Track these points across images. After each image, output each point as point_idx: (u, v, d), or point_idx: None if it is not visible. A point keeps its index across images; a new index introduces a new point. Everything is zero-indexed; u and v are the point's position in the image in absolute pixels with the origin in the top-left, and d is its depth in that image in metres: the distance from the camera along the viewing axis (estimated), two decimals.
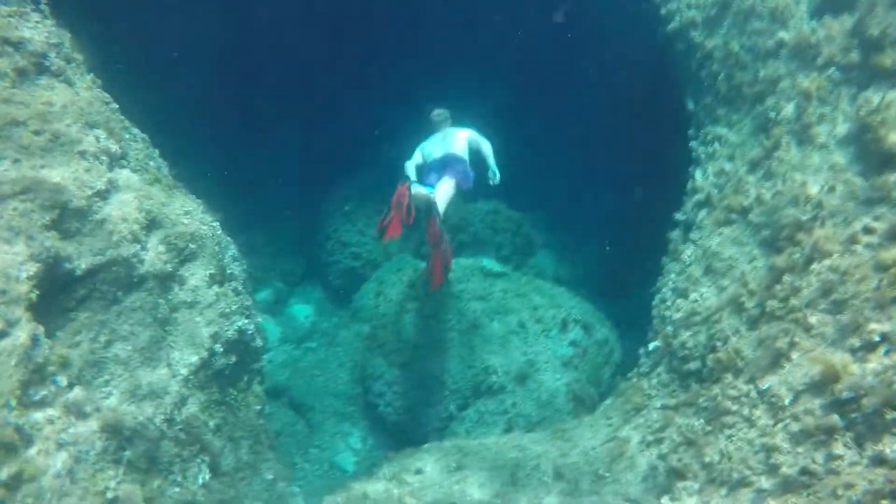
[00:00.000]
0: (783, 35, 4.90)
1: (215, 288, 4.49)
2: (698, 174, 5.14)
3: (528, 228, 8.58)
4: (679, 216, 5.19)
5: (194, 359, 4.17)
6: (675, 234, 5.14)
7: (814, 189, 3.87)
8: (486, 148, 6.24)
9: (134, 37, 6.95)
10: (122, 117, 5.29)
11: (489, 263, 7.31)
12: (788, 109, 4.48)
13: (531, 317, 6.57)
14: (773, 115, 4.57)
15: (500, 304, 6.77)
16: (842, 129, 4.15)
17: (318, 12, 8.77)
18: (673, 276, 4.63)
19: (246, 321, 4.74)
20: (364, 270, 8.57)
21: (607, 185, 9.05)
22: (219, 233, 4.92)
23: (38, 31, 4.32)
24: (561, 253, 8.97)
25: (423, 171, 6.14)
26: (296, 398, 7.30)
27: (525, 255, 8.36)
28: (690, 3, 5.65)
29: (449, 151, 6.03)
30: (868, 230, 3.26)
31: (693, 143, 5.42)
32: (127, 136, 4.71)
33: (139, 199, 4.19)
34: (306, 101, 9.58)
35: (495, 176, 6.21)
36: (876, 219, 3.34)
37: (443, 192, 5.74)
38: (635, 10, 6.94)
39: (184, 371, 4.09)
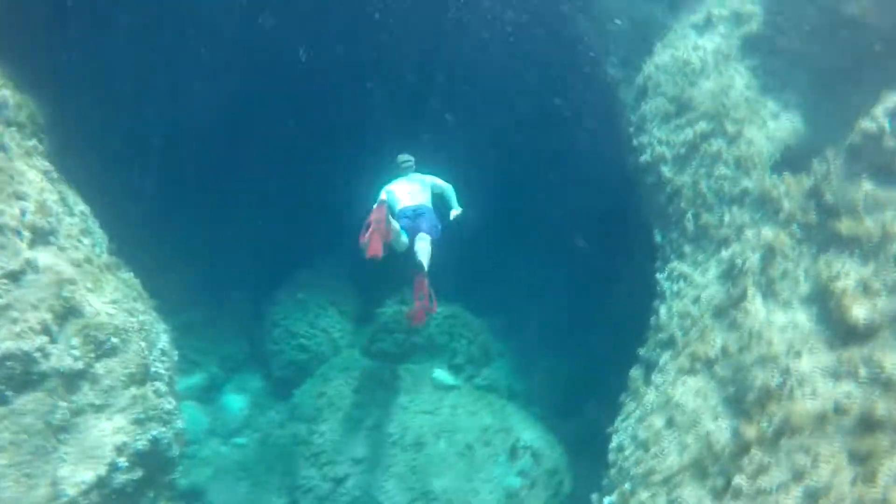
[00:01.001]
0: (747, 184, 5.01)
1: (132, 389, 3.97)
2: (663, 311, 5.03)
3: (486, 337, 8.28)
4: (642, 352, 5.01)
5: (88, 475, 3.58)
6: (637, 371, 4.93)
7: (780, 349, 3.74)
8: (449, 191, 6.66)
9: (98, 103, 6.71)
10: (63, 188, 4.94)
11: (441, 375, 6.94)
12: (753, 260, 4.46)
13: (480, 439, 6.15)
14: (739, 262, 4.54)
15: (449, 421, 6.33)
16: (804, 287, 4.11)
17: (283, 94, 8.77)
18: (633, 421, 4.36)
19: (163, 429, 4.18)
20: (310, 365, 8.03)
21: (569, 295, 8.96)
22: (148, 325, 4.45)
23: None
24: (516, 363, 8.65)
25: (393, 216, 6.27)
26: None
27: (479, 366, 8.00)
28: (661, 139, 5.80)
29: (420, 203, 6.30)
30: (840, 410, 3.09)
31: (659, 277, 5.36)
32: (61, 209, 4.32)
33: (59, 283, 3.75)
34: (268, 178, 9.38)
35: (458, 208, 6.58)
36: (847, 397, 3.18)
37: (423, 250, 5.96)
38: (607, 138, 7.17)
39: (71, 491, 3.48)
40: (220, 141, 8.79)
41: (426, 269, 5.91)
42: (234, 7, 7.81)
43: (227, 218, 8.96)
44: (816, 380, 3.38)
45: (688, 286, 4.86)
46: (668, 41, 6.22)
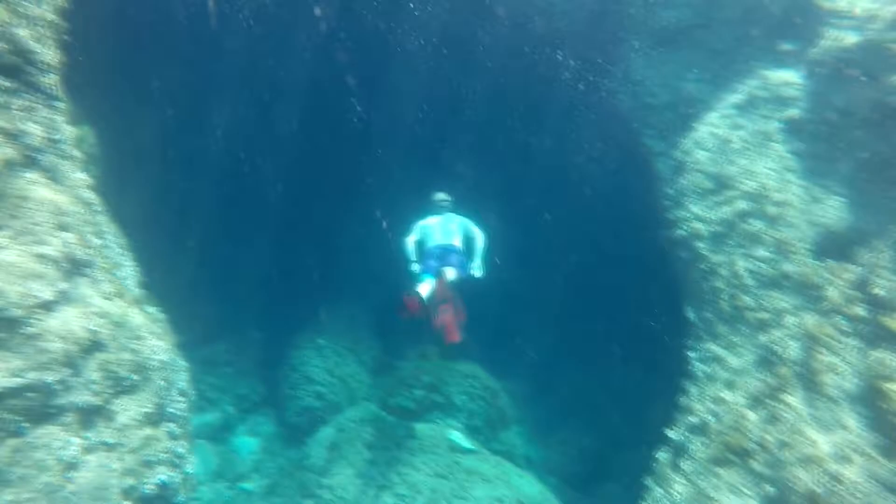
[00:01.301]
0: (788, 268, 4.87)
1: (147, 429, 3.91)
2: (694, 393, 4.81)
3: (505, 401, 8.05)
4: (671, 434, 4.77)
5: None
6: (665, 455, 4.68)
7: (827, 450, 3.51)
8: (479, 240, 6.57)
9: (145, 139, 6.99)
10: (103, 219, 5.07)
11: (457, 437, 6.71)
12: (794, 349, 4.27)
13: None
14: (778, 350, 4.35)
15: (462, 487, 6.06)
16: (851, 384, 3.91)
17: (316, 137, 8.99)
18: None
19: (172, 473, 4.08)
20: (325, 413, 7.88)
21: (593, 366, 8.72)
22: (169, 363, 4.43)
23: (41, 125, 4.18)
24: (534, 431, 8.37)
25: (422, 254, 6.43)
26: None
27: (496, 429, 7.74)
28: (698, 215, 5.72)
29: (449, 243, 6.34)
30: None
31: (691, 356, 5.15)
32: (99, 241, 4.41)
33: (88, 315, 3.78)
34: (299, 220, 9.53)
35: (480, 269, 6.44)
36: None
37: (449, 273, 6.16)
38: (641, 209, 7.12)
39: None
40: (255, 179, 9.02)
41: (448, 279, 5.99)
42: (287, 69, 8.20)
43: (255, 256, 9.09)
44: (870, 491, 3.14)
45: (722, 369, 4.66)
46: (708, 119, 6.23)
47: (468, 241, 6.61)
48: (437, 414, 7.57)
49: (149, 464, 3.80)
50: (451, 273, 6.18)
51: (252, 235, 9.22)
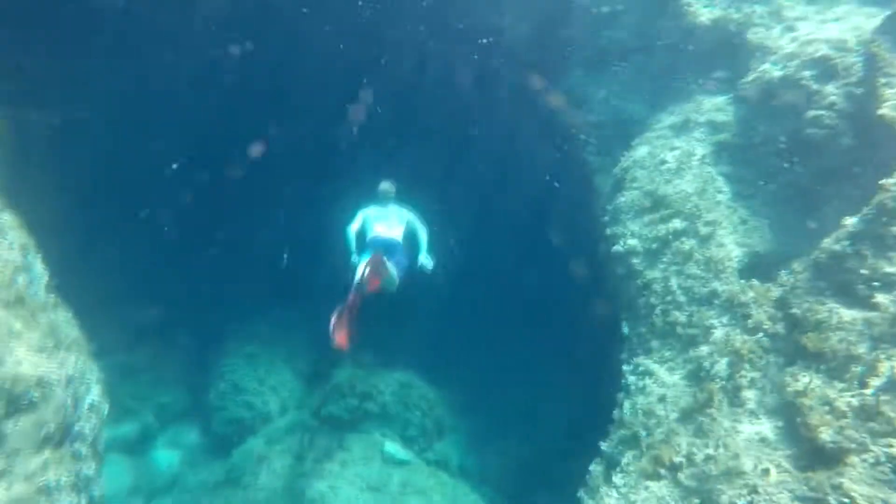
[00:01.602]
0: (717, 286, 5.06)
1: (46, 452, 3.55)
2: (627, 406, 4.90)
3: (442, 410, 7.99)
4: (604, 447, 4.83)
5: None
6: (598, 468, 4.74)
7: (747, 466, 3.64)
8: (423, 234, 6.49)
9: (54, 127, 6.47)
10: (6, 217, 4.62)
11: (392, 448, 6.58)
12: (721, 365, 4.43)
13: None
14: (706, 365, 4.51)
15: (395, 500, 5.94)
16: (770, 399, 4.08)
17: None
18: None
19: (75, 499, 3.73)
20: (254, 423, 7.54)
21: (530, 376, 8.80)
22: (78, 376, 4.07)
23: None
24: (470, 440, 8.34)
25: (363, 245, 6.29)
26: None
27: (432, 440, 7.66)
28: (635, 232, 5.87)
29: (392, 237, 6.25)
30: None
31: (625, 370, 5.26)
32: (1, 242, 3.99)
33: None
34: (228, 220, 9.11)
35: (425, 264, 6.35)
36: None
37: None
38: (581, 222, 7.26)
39: None
40: (179, 176, 8.54)
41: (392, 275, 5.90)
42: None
43: (181, 258, 8.62)
44: (784, 503, 3.27)
45: (654, 383, 4.77)
46: (647, 138, 6.43)
47: (411, 234, 6.51)
48: (370, 424, 7.41)
49: (46, 490, 3.45)
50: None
51: (178, 235, 8.72)
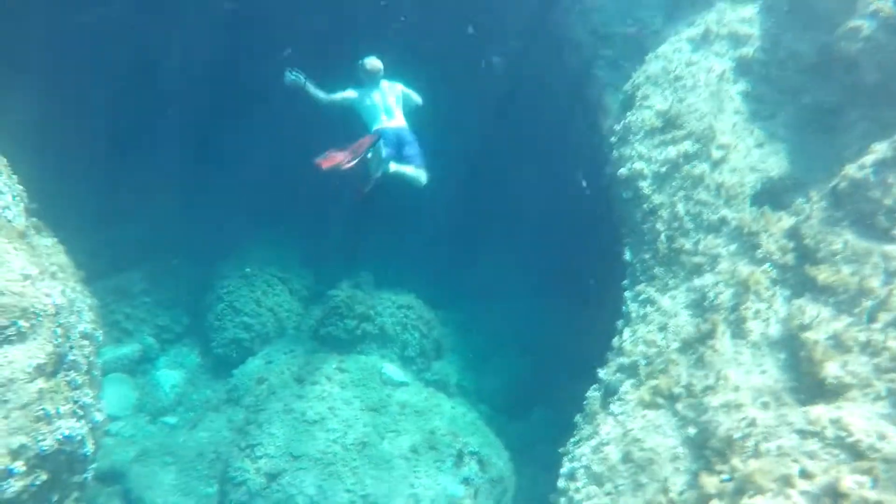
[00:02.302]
0: (726, 213, 4.87)
1: (39, 382, 3.49)
2: (627, 334, 4.87)
3: (440, 331, 8.04)
4: (602, 374, 4.85)
5: None
6: (595, 393, 4.77)
7: (747, 397, 3.62)
8: (416, 98, 6.01)
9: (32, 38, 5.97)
10: None
11: (390, 371, 6.66)
12: (726, 296, 4.33)
13: (426, 442, 5.93)
14: (711, 295, 4.41)
15: (395, 421, 6.09)
16: (774, 330, 4.02)
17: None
18: (587, 450, 4.20)
19: (76, 425, 3.73)
20: (253, 345, 7.60)
21: (530, 296, 8.81)
22: (67, 304, 3.96)
23: None
24: (468, 360, 8.48)
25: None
26: (132, 491, 6.08)
27: (431, 360, 7.77)
28: (643, 154, 5.59)
29: (400, 126, 5.69)
30: (806, 474, 2.98)
31: (626, 295, 5.19)
32: None
33: None
34: (221, 135, 8.71)
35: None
36: (811, 457, 3.08)
37: (404, 169, 5.60)
38: (587, 140, 6.94)
39: None
40: (169, 93, 8.07)
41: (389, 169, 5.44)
42: None
43: (175, 176, 8.32)
44: (782, 435, 3.27)
45: (655, 311, 4.71)
46: (662, 52, 5.98)
47: (409, 112, 5.95)
48: (369, 345, 7.46)
49: (43, 418, 3.43)
50: (408, 170, 5.54)
51: (167, 151, 8.36)
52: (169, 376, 7.61)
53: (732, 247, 4.66)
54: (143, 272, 7.97)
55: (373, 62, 5.74)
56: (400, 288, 8.20)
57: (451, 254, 8.93)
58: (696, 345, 4.21)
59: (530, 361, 8.39)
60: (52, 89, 6.65)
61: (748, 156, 5.04)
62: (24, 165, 4.91)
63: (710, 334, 4.14)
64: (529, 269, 8.82)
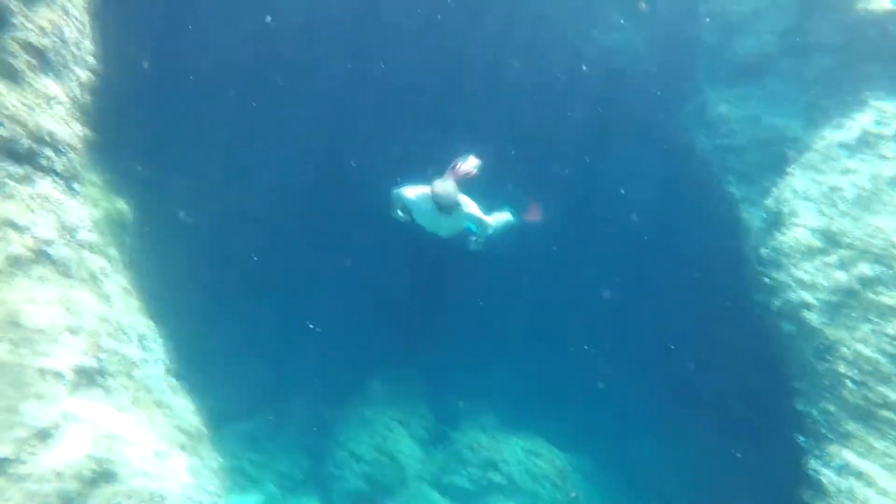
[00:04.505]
0: None
1: None
2: None
3: (575, 478, 7.12)
4: None
5: None
6: None
7: None
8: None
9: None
10: (133, 303, 4.67)
11: None
12: None
13: None
14: None
15: None
16: None
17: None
18: None
19: None
20: (375, 496, 7.18)
21: (678, 439, 7.67)
22: (194, 484, 3.86)
23: (55, 212, 3.77)
24: None
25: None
26: None
27: None
28: (804, 281, 4.79)
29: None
30: None
31: (812, 462, 4.18)
32: (116, 342, 3.92)
33: (95, 440, 3.25)
34: (340, 278, 8.96)
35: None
36: None
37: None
38: (725, 261, 6.21)
39: None
40: (290, 235, 8.57)
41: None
42: None
43: (295, 318, 8.60)
44: None
45: (867, 487, 3.69)
46: (807, 161, 5.34)
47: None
48: (496, 496, 6.75)
49: None
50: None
51: (295, 292, 8.74)
52: None
53: None
54: (270, 415, 8.04)
55: (446, 188, 5.16)
56: (527, 430, 7.53)
57: (580, 386, 8.18)
58: None
59: None
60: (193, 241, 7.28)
61: None
62: (167, 320, 5.26)
63: None
64: (669, 399, 7.77)
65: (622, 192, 7.68)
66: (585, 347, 7.98)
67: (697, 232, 6.84)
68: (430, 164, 5.26)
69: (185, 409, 4.75)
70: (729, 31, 6.37)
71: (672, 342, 7.45)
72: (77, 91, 4.11)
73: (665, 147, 7.27)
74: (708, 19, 6.52)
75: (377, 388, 8.33)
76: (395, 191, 5.39)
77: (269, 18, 7.05)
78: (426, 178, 5.14)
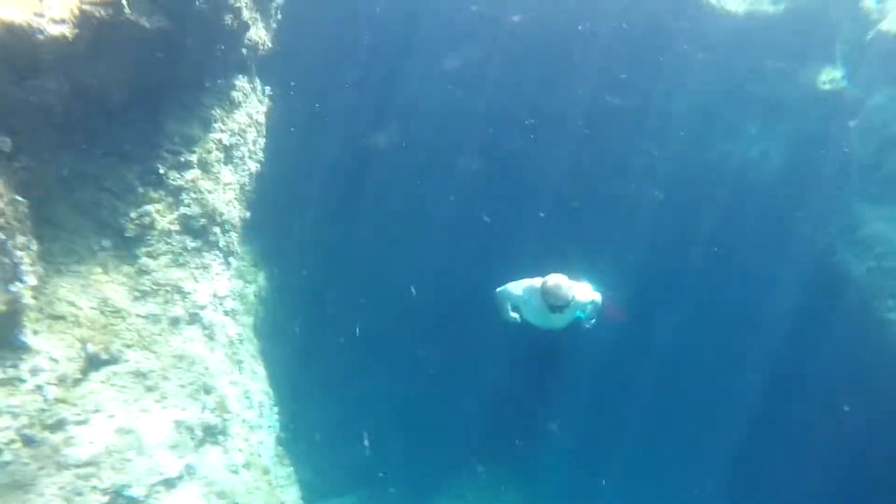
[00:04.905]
0: None
1: None
2: None
3: None
4: None
5: None
6: None
7: None
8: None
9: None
10: (258, 370, 5.08)
11: None
12: None
13: None
14: None
15: None
16: None
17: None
18: None
19: None
20: None
21: None
22: None
23: (210, 282, 4.31)
24: None
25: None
26: None
27: None
28: None
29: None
30: None
31: None
32: (239, 404, 4.28)
33: (207, 496, 3.51)
34: (437, 364, 8.97)
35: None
36: None
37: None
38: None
39: None
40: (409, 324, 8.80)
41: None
42: None
43: (395, 399, 8.69)
44: None
45: None
46: None
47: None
48: None
49: None
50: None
51: (398, 377, 8.89)
52: None
53: None
54: (360, 497, 8.04)
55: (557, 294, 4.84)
56: None
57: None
58: None
59: None
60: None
61: None
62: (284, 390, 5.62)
63: None
64: None
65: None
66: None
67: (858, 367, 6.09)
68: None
69: (288, 479, 4.96)
70: (882, 144, 5.91)
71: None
72: (246, 179, 4.79)
73: (808, 267, 6.70)
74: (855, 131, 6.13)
75: (468, 484, 8.07)
76: (499, 290, 4.86)
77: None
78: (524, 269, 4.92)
